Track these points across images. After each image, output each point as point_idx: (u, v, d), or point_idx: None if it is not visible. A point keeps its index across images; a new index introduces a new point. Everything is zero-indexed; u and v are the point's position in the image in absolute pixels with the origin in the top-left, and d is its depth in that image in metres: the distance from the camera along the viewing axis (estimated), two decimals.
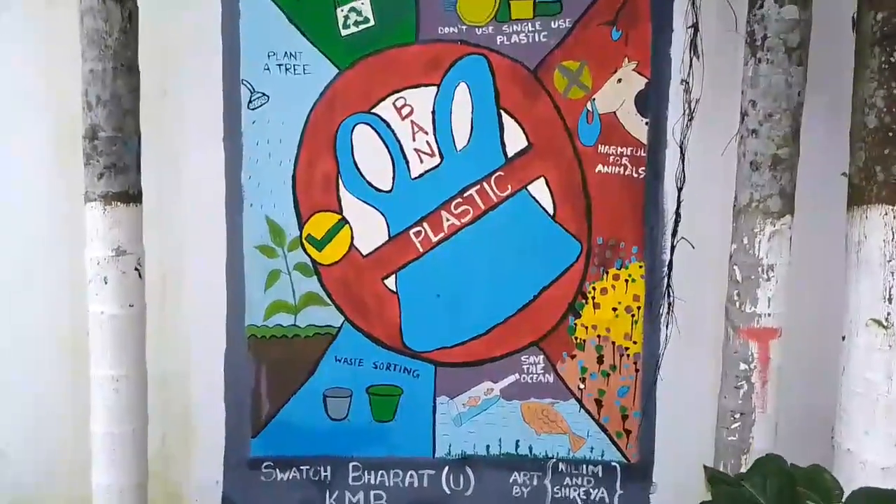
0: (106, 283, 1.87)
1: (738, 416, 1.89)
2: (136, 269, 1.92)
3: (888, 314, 1.78)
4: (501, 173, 2.35)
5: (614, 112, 2.32)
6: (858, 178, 1.85)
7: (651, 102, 2.30)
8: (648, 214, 2.33)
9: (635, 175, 2.34)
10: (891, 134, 1.77)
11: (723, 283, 1.99)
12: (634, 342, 2.38)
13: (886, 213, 1.77)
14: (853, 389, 1.86)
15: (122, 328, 1.90)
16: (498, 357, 2.40)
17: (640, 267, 2.36)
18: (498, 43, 2.31)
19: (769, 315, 1.85)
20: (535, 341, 2.39)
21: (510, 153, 2.34)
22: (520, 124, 2.33)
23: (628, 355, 2.39)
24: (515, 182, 2.35)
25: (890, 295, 1.77)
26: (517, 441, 2.42)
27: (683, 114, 2.23)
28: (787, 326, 1.99)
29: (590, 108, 2.33)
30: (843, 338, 1.91)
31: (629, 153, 2.33)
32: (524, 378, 2.41)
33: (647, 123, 2.31)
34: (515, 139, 2.34)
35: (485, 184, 2.35)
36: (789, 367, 2.09)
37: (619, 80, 2.31)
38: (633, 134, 2.32)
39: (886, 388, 1.78)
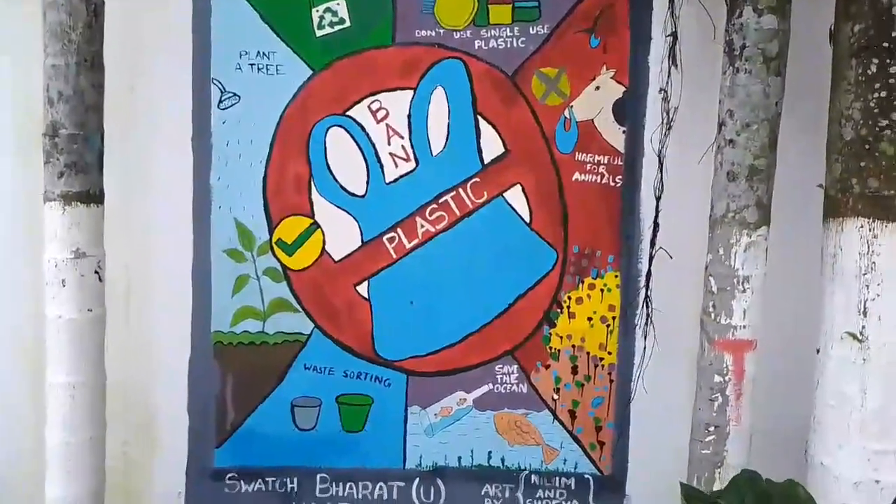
0: (64, 285, 1.80)
1: (712, 429, 1.86)
2: (97, 272, 1.85)
3: (863, 327, 1.76)
4: (477, 179, 2.31)
5: (592, 120, 2.30)
6: (834, 191, 1.84)
7: (629, 111, 2.28)
8: (625, 224, 2.31)
9: (612, 184, 2.31)
10: (867, 146, 1.76)
11: (700, 294, 1.97)
12: (609, 353, 2.35)
13: (862, 226, 1.76)
14: (827, 403, 1.84)
15: (80, 333, 1.83)
16: (471, 366, 2.36)
17: (616, 277, 2.33)
18: (476, 47, 2.28)
19: (744, 327, 1.83)
20: (509, 350, 2.35)
21: (486, 159, 2.30)
22: (497, 130, 2.30)
23: (603, 366, 2.35)
24: (492, 188, 2.31)
25: (864, 308, 1.76)
26: (490, 452, 2.38)
27: (662, 123, 2.21)
28: (762, 338, 1.98)
29: (567, 116, 2.30)
30: (818, 350, 1.89)
31: (606, 161, 2.31)
32: (498, 388, 2.36)
33: (624, 132, 2.29)
34: (492, 145, 2.30)
35: (460, 190, 2.31)
36: (763, 380, 2.07)
37: (598, 88, 2.29)
38: (610, 142, 2.30)
39: (860, 401, 1.77)
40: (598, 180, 2.31)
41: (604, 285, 2.34)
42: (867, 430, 1.77)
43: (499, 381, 2.36)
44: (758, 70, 1.76)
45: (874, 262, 1.75)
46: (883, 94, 1.74)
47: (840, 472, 1.80)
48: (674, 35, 2.18)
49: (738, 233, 1.80)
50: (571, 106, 2.29)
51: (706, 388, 1.87)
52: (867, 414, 1.77)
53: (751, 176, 1.79)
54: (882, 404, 1.75)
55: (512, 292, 2.34)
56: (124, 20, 2.21)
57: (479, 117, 2.29)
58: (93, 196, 1.84)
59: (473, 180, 2.31)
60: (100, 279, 1.87)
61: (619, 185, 2.31)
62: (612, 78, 2.29)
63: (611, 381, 2.36)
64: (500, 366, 2.36)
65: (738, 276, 1.81)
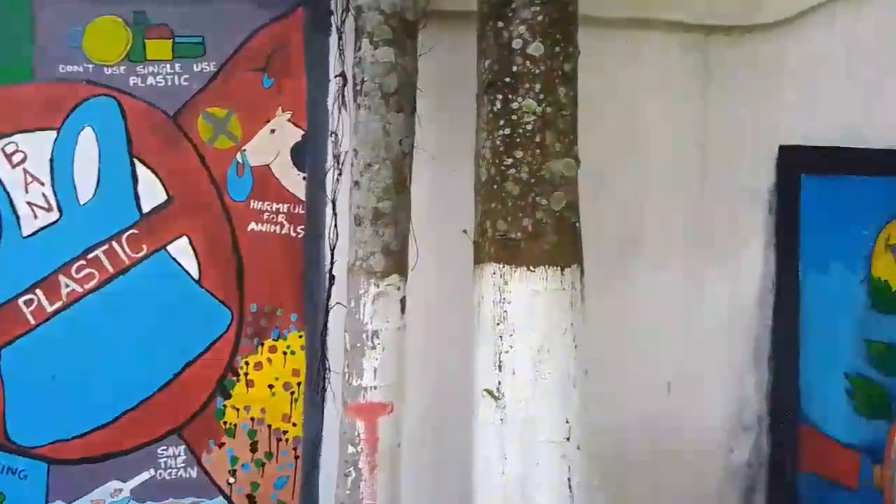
0: None
1: None
2: None
3: (499, 383, 1.59)
4: (135, 231, 2.03)
5: (268, 165, 2.10)
6: (476, 235, 1.70)
7: (308, 156, 2.11)
8: (308, 278, 2.10)
9: (293, 234, 2.11)
10: (495, 187, 1.64)
11: None
12: (294, 424, 2.09)
13: (495, 272, 1.62)
14: (478, 470, 1.64)
15: None
16: (128, 450, 2.02)
17: (301, 337, 2.10)
18: (131, 84, 2.04)
19: (375, 388, 1.62)
20: (174, 429, 2.04)
21: (146, 208, 2.04)
22: (157, 175, 2.05)
23: (286, 440, 2.08)
24: (152, 241, 2.04)
25: (500, 362, 1.60)
26: None
27: (332, 167, 2.05)
28: (425, 400, 1.79)
29: (240, 160, 2.09)
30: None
31: (286, 210, 2.11)
32: (161, 474, 2.03)
33: (304, 178, 2.11)
34: (152, 192, 2.05)
35: (114, 243, 2.02)
36: (430, 450, 1.88)
37: (273, 131, 2.11)
38: (290, 189, 2.11)
39: (501, 467, 1.58)
40: (278, 230, 2.10)
41: (287, 347, 2.09)
42: (510, 501, 1.57)
43: (162, 465, 2.03)
44: (376, 106, 1.62)
45: (506, 311, 1.60)
46: (507, 131, 1.63)
47: None
48: (343, 76, 2.04)
49: (366, 283, 1.62)
50: (244, 150, 2.09)
51: (342, 461, 1.63)
52: (508, 481, 1.58)
53: (375, 220, 1.62)
54: (521, 470, 1.57)
55: (178, 360, 2.05)
56: None
57: (137, 161, 2.04)
58: None
59: (130, 232, 2.03)
60: None
61: (300, 235, 2.11)
62: (289, 121, 2.11)
63: (296, 457, 2.08)
64: (164, 448, 2.04)
65: (367, 331, 1.61)
